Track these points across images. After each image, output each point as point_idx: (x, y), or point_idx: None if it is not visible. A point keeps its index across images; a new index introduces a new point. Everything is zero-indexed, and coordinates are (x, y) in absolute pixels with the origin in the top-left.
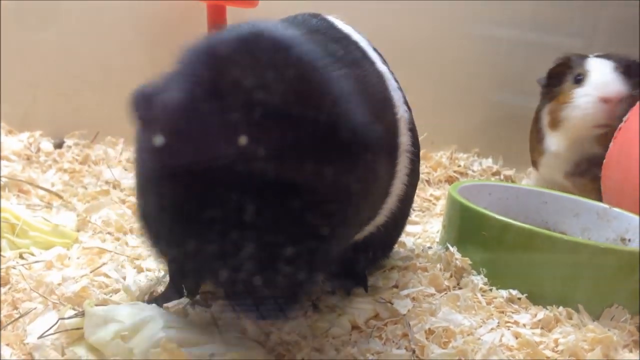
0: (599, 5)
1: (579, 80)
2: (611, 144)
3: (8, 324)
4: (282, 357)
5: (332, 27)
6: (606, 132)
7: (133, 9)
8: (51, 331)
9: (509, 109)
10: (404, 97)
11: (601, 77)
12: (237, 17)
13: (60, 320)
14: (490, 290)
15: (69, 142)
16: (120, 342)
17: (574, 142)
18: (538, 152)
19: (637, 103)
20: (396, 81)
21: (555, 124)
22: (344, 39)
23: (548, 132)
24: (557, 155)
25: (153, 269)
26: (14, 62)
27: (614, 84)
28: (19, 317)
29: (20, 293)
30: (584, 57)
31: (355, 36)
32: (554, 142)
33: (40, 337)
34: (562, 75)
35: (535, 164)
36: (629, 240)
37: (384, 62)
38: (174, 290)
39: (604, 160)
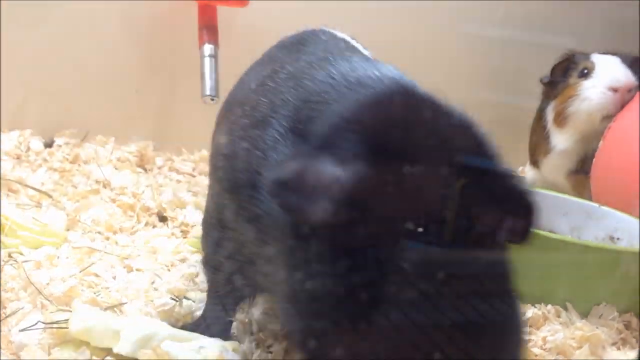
0: (592, 5)
1: (585, 74)
2: (601, 143)
3: None
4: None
5: (354, 49)
6: None
7: (123, 8)
8: (37, 328)
9: (502, 108)
10: None
11: (609, 68)
12: (227, 17)
13: (46, 319)
14: None
15: (59, 141)
16: (106, 324)
17: (582, 137)
18: (542, 152)
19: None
20: None
21: (561, 120)
22: None
23: (554, 129)
24: (563, 153)
25: (142, 269)
26: (4, 60)
27: (622, 74)
28: (7, 317)
29: (8, 293)
30: (587, 54)
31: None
32: (560, 139)
33: (23, 330)
34: (566, 71)
35: (536, 163)
36: (618, 238)
37: None
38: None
39: (594, 160)
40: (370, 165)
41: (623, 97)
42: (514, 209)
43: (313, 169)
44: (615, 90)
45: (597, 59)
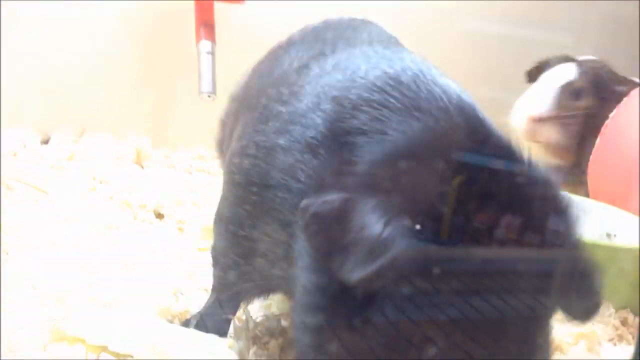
0: (591, 2)
1: None
2: (598, 140)
3: None
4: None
5: (396, 41)
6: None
7: (120, 4)
8: (34, 326)
9: (500, 105)
10: None
11: (532, 93)
12: (225, 14)
13: (43, 316)
14: None
15: (56, 138)
16: (103, 321)
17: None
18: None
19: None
20: None
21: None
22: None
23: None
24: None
25: (139, 266)
26: (2, 58)
27: (537, 103)
28: (4, 314)
29: (5, 290)
30: (560, 61)
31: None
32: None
33: (19, 327)
34: (537, 77)
35: None
36: (614, 235)
37: None
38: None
39: (591, 157)
40: (424, 234)
41: (535, 127)
42: (586, 289)
43: (356, 217)
44: (529, 119)
45: (545, 74)
